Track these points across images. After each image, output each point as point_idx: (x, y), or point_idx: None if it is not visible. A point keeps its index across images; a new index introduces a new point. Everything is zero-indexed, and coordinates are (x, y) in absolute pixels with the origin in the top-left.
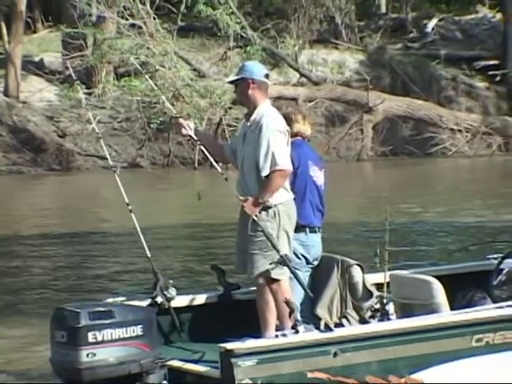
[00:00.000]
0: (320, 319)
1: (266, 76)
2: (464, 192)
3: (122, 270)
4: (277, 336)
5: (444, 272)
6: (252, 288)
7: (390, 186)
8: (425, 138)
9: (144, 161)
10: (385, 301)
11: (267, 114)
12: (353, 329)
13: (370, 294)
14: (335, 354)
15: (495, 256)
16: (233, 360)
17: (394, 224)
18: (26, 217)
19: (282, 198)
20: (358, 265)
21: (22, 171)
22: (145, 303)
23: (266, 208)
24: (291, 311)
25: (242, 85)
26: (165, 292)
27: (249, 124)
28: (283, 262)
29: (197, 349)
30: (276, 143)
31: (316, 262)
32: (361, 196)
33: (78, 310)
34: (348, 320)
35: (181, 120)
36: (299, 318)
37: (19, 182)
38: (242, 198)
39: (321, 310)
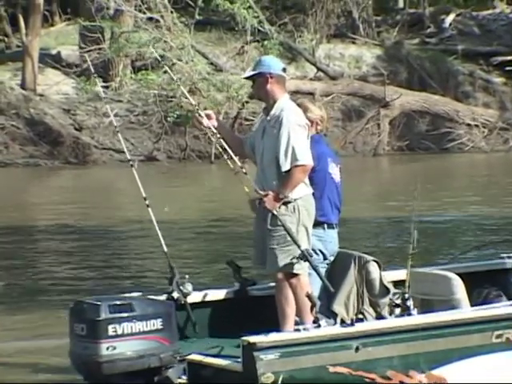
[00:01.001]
0: (336, 315)
1: (284, 70)
2: (481, 187)
3: (138, 264)
4: (299, 330)
5: (461, 270)
6: (268, 284)
7: (406, 181)
8: (441, 133)
9: (160, 154)
10: (406, 296)
11: (287, 108)
12: (375, 323)
13: (387, 291)
14: (357, 349)
15: (510, 255)
16: (255, 353)
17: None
18: (42, 209)
19: (302, 192)
20: (374, 261)
21: (38, 164)
22: (161, 298)
23: (286, 203)
24: (313, 305)
25: (259, 79)
26: (181, 287)
27: (268, 118)
28: (303, 256)
29: (213, 344)
30: (296, 138)
31: (332, 258)
32: (377, 190)
33: (98, 303)
34: (364, 316)
35: (200, 112)
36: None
37: (36, 174)
38: (262, 192)
39: (337, 306)
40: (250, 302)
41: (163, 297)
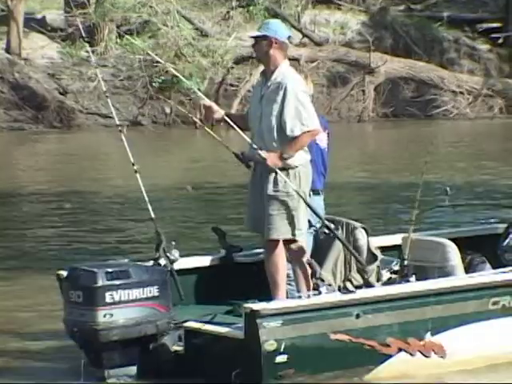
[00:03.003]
0: (323, 282)
1: (288, 37)
2: (465, 153)
3: (125, 230)
4: (300, 297)
5: (450, 235)
6: (254, 250)
7: (391, 147)
8: (426, 100)
9: (145, 119)
10: (405, 262)
11: (290, 76)
12: (375, 290)
13: (374, 258)
14: (357, 316)
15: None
16: (258, 321)
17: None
18: (26, 173)
19: (303, 159)
20: (362, 227)
21: (23, 128)
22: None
23: (287, 169)
24: (313, 272)
25: (263, 42)
26: (168, 254)
27: (268, 84)
28: (303, 223)
29: (202, 311)
30: (304, 104)
31: (319, 225)
32: (363, 156)
33: (95, 270)
34: (352, 283)
35: (210, 104)
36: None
37: (20, 138)
38: (264, 152)
39: (325, 273)
40: (236, 268)
41: (149, 263)
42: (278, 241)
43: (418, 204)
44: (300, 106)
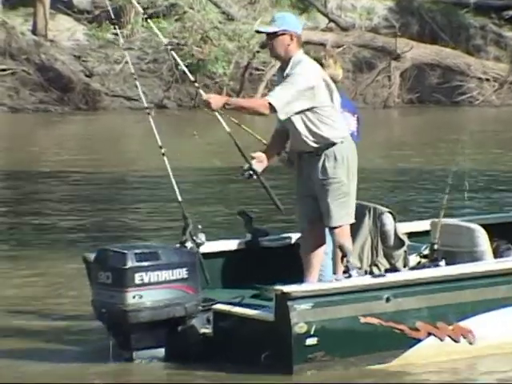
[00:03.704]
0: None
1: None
2: (493, 141)
3: (152, 213)
4: (331, 280)
5: (479, 222)
6: (280, 235)
7: (417, 133)
8: (452, 87)
9: (170, 102)
10: (435, 247)
11: (299, 62)
12: (405, 274)
13: (401, 243)
14: (388, 300)
15: None
16: (289, 303)
17: (427, 171)
18: (52, 156)
19: (341, 134)
20: (389, 212)
21: (48, 110)
22: None
23: (335, 156)
24: (343, 255)
25: (281, 37)
26: (194, 237)
27: (285, 74)
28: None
29: (228, 294)
30: (288, 84)
31: None
32: (389, 142)
33: (125, 251)
34: (378, 268)
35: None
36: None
37: (46, 120)
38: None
39: (351, 258)
40: (262, 252)
41: (176, 247)
42: (337, 227)
43: (449, 190)
44: (284, 83)
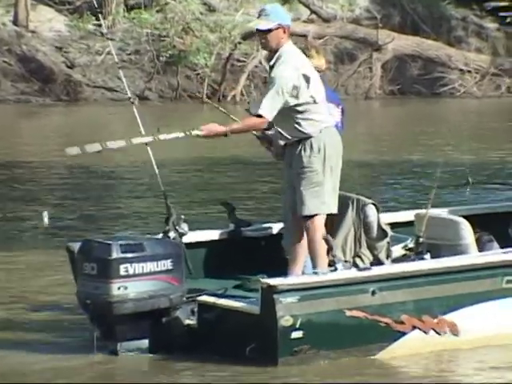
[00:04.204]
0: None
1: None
2: (470, 132)
3: (134, 204)
4: (316, 273)
5: (460, 213)
6: (263, 225)
7: (398, 124)
8: (433, 78)
9: (152, 94)
10: (421, 240)
11: (287, 52)
12: (391, 267)
13: (384, 234)
14: (373, 293)
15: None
16: (275, 296)
17: (399, 161)
18: (33, 146)
19: (318, 127)
20: (373, 204)
21: (29, 101)
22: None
23: (311, 144)
24: (329, 248)
25: (275, 31)
26: (177, 227)
27: (271, 64)
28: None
29: (210, 285)
30: (272, 90)
31: None
32: (370, 133)
33: (110, 242)
34: (362, 259)
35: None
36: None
37: (27, 111)
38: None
39: (334, 249)
40: (245, 242)
41: (159, 236)
42: (309, 217)
43: (436, 182)
44: (270, 91)
